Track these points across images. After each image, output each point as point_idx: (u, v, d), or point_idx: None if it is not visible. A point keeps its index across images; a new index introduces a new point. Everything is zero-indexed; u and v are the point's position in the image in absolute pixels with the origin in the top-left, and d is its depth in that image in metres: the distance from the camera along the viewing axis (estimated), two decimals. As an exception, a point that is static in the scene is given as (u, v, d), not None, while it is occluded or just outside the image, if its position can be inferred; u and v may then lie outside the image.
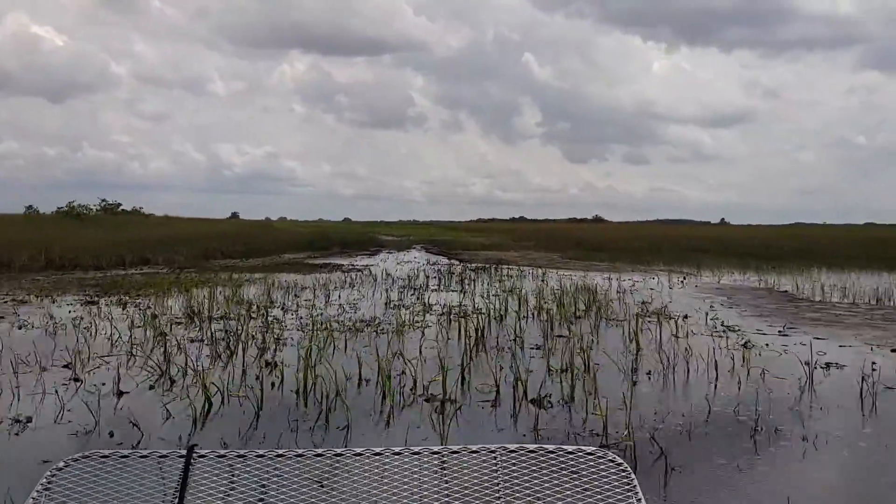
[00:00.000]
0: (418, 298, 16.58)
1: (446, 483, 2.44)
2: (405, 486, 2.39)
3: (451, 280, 22.35)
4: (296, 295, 17.15)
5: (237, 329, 11.22)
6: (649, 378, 8.87)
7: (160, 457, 2.35)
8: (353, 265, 29.45)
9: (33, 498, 2.22)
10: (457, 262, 31.98)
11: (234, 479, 2.34)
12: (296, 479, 2.36)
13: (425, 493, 2.41)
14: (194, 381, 8.05)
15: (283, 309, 14.62)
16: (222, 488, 2.31)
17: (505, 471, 2.45)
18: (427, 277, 22.89)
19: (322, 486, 2.39)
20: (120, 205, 61.32)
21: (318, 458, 2.40)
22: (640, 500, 2.33)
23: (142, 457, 2.34)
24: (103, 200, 59.41)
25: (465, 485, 2.42)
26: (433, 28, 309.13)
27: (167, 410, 7.14)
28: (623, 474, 2.40)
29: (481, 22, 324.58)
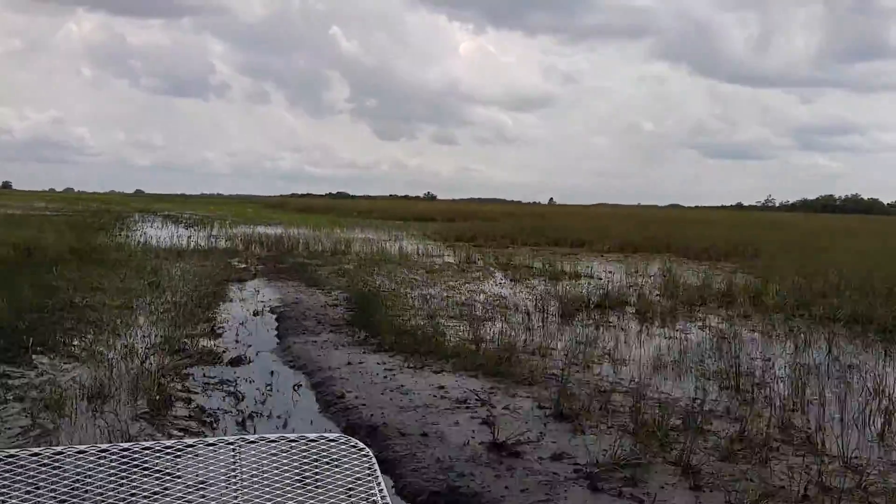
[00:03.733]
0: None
1: (180, 478, 2.32)
2: (134, 483, 2.25)
3: None
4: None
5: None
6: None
7: None
8: None
9: None
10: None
11: None
12: (9, 484, 2.14)
13: (156, 489, 2.28)
14: None
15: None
16: None
17: (244, 463, 2.38)
18: None
19: (38, 488, 2.18)
20: None
21: (35, 458, 2.19)
22: (379, 482, 2.37)
23: None
24: None
25: (201, 479, 2.32)
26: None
27: None
28: (364, 458, 2.43)
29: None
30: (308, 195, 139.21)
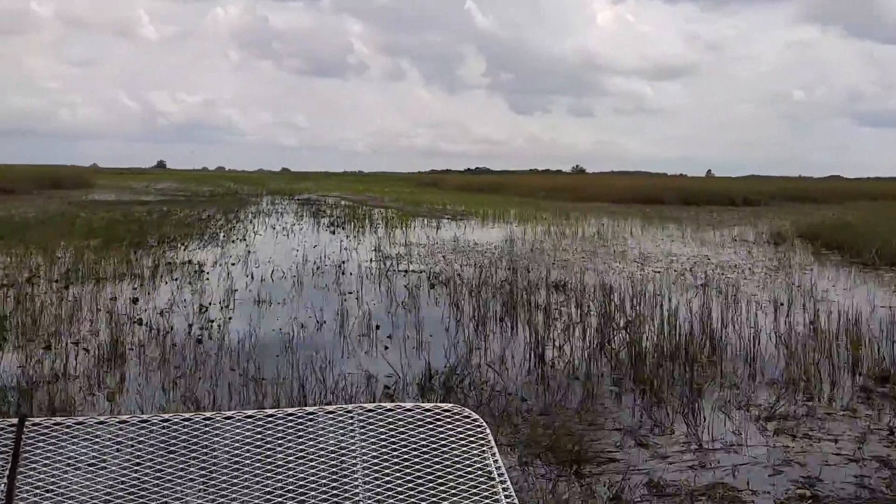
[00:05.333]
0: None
1: (302, 444, 2.39)
2: (258, 449, 2.33)
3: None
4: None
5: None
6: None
7: None
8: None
9: None
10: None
11: (72, 446, 2.22)
12: (139, 445, 2.26)
13: (281, 454, 2.35)
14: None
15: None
16: (59, 457, 2.19)
17: (363, 430, 2.43)
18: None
19: (170, 452, 2.30)
20: None
21: (166, 423, 2.31)
22: (494, 453, 2.36)
23: None
24: None
25: (322, 445, 2.39)
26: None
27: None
28: (478, 428, 2.43)
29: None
30: (446, 171, 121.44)
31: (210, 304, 9.60)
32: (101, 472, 2.19)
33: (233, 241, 17.59)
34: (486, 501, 2.26)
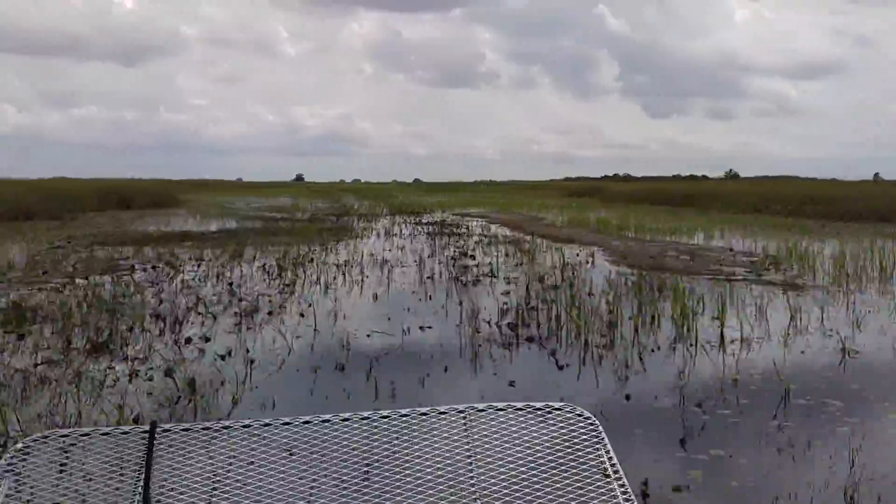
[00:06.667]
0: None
1: (417, 445, 2.43)
2: (374, 450, 2.39)
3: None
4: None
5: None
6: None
7: (122, 433, 2.33)
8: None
9: None
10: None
11: (201, 452, 2.32)
12: (264, 449, 2.35)
13: (396, 455, 2.40)
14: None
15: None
16: (189, 462, 2.30)
17: (475, 430, 2.45)
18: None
19: (291, 454, 2.38)
20: None
21: (286, 427, 2.39)
22: (608, 451, 2.34)
23: (103, 434, 2.32)
24: None
25: (436, 446, 2.42)
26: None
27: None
28: (591, 427, 2.41)
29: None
30: (580, 178, 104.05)
31: None
32: (228, 476, 2.29)
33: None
34: (602, 500, 2.25)
